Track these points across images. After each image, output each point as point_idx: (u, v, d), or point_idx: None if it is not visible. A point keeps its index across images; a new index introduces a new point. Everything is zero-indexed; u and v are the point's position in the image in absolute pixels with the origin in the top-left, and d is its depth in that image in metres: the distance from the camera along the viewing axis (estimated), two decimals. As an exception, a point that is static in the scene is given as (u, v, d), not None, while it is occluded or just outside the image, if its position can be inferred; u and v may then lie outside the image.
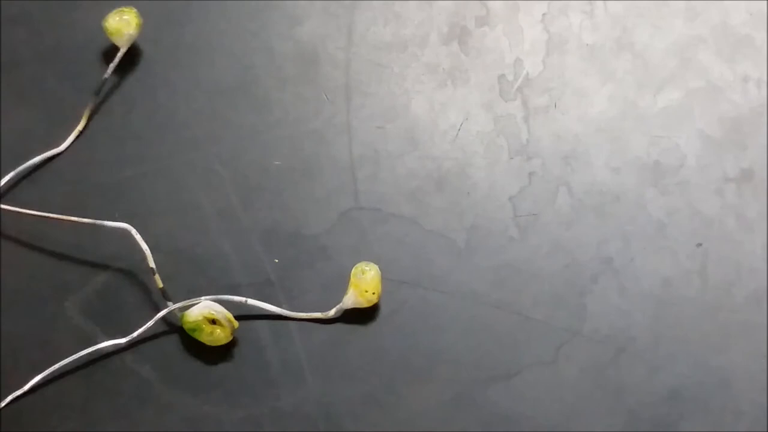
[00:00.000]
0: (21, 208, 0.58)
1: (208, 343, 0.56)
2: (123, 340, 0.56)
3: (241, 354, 0.56)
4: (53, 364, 0.55)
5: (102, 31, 0.61)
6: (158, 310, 0.56)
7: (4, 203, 0.58)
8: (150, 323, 0.56)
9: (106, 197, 0.59)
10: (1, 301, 0.57)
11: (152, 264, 0.56)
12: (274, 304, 0.57)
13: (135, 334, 0.56)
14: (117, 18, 0.61)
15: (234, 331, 0.56)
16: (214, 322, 0.55)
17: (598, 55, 0.63)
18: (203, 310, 0.55)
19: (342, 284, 0.57)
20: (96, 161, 0.60)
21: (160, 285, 0.56)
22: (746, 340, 0.56)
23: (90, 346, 0.55)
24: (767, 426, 0.55)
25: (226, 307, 0.56)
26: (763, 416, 0.55)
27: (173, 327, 0.57)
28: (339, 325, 0.57)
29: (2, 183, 0.59)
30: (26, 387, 0.55)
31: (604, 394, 0.56)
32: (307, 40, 0.63)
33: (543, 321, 0.57)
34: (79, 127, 0.61)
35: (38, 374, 0.55)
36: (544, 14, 0.64)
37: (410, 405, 0.55)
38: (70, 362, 0.55)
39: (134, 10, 0.61)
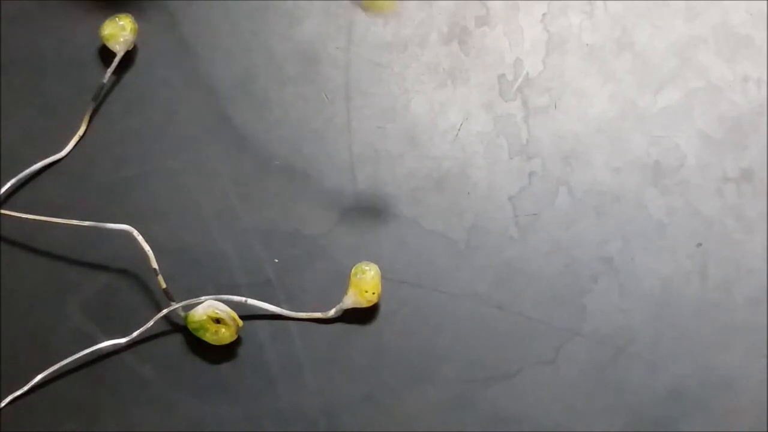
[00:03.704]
0: (22, 212, 0.58)
1: (213, 343, 0.56)
2: (123, 340, 0.56)
3: (241, 354, 0.56)
4: (53, 364, 0.55)
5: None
6: (159, 310, 0.56)
7: (5, 209, 0.58)
8: (150, 323, 0.56)
9: (107, 199, 0.59)
10: (1, 301, 0.57)
11: (155, 265, 0.56)
12: (274, 304, 0.57)
13: (135, 333, 0.56)
14: (112, 25, 0.61)
15: (239, 330, 0.56)
16: (218, 321, 0.55)
17: (598, 55, 0.63)
18: (207, 310, 0.55)
19: (342, 284, 0.57)
20: (96, 163, 0.60)
21: (164, 285, 0.56)
22: (746, 340, 0.56)
23: (90, 346, 0.56)
24: (767, 426, 0.55)
25: (225, 307, 0.56)
26: (763, 416, 0.55)
27: (174, 327, 0.57)
28: (339, 325, 0.57)
29: (3, 190, 0.59)
30: (26, 387, 0.55)
31: (604, 394, 0.56)
32: (307, 40, 0.63)
33: (543, 321, 0.57)
34: (80, 132, 0.61)
35: (38, 374, 0.55)
36: (544, 14, 0.64)
37: (410, 405, 0.55)
38: (70, 362, 0.55)
39: (129, 16, 0.62)
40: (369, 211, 0.59)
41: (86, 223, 0.57)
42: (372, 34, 0.64)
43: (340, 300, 0.57)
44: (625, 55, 0.63)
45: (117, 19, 0.62)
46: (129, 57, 0.62)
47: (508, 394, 0.55)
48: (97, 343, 0.56)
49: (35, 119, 0.61)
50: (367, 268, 0.56)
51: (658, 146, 0.61)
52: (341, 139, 0.61)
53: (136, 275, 0.58)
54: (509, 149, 0.61)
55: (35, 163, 0.60)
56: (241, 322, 0.56)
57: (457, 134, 0.61)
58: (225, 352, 0.56)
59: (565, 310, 0.57)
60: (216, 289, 0.57)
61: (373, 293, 0.56)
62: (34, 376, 0.55)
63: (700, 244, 0.58)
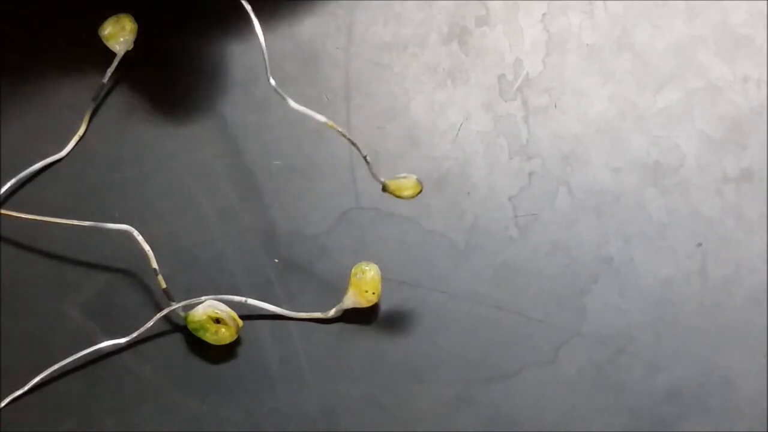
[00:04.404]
0: (22, 212, 0.58)
1: (213, 343, 0.56)
2: (123, 340, 0.56)
3: (241, 354, 0.56)
4: (53, 364, 0.55)
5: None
6: (159, 310, 0.56)
7: (5, 209, 0.58)
8: (150, 323, 0.56)
9: (107, 199, 0.59)
10: (1, 301, 0.57)
11: (155, 265, 0.56)
12: (274, 304, 0.57)
13: (135, 334, 0.56)
14: (112, 24, 0.61)
15: (239, 330, 0.56)
16: (218, 321, 0.55)
17: (598, 55, 0.63)
18: (207, 310, 0.55)
19: (342, 284, 0.57)
20: (96, 163, 0.60)
21: (164, 285, 0.56)
22: (746, 340, 0.56)
23: (90, 346, 0.56)
24: (767, 426, 0.55)
25: (225, 307, 0.56)
26: (763, 416, 0.55)
27: (174, 327, 0.57)
28: (339, 325, 0.57)
29: (3, 190, 0.59)
30: (26, 387, 0.55)
31: (604, 394, 0.56)
32: (307, 40, 0.63)
33: (543, 321, 0.57)
34: (80, 132, 0.61)
35: (38, 374, 0.55)
36: (544, 14, 0.64)
37: (410, 405, 0.55)
38: (70, 362, 0.55)
39: (129, 16, 0.62)
40: (369, 211, 0.59)
41: (86, 223, 0.57)
42: (372, 34, 0.64)
43: (340, 300, 0.57)
44: (625, 55, 0.63)
45: (117, 19, 0.62)
46: (129, 57, 0.62)
47: (508, 394, 0.55)
48: (97, 343, 0.56)
49: (35, 119, 0.61)
50: (367, 268, 0.56)
51: (658, 146, 0.61)
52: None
53: (136, 275, 0.58)
54: (509, 149, 0.61)
55: (35, 163, 0.60)
56: (241, 322, 0.56)
57: (457, 134, 0.61)
58: (225, 352, 0.56)
59: (565, 310, 0.57)
60: (216, 289, 0.57)
61: (373, 293, 0.56)
62: (34, 376, 0.55)
63: (700, 244, 0.58)
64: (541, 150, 0.61)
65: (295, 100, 0.62)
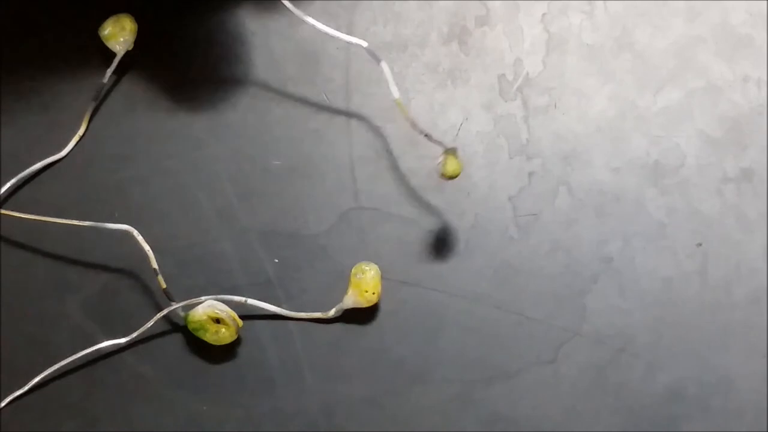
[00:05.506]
0: (22, 212, 0.58)
1: (213, 343, 0.56)
2: (123, 340, 0.56)
3: (241, 354, 0.56)
4: (53, 364, 0.55)
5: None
6: (159, 310, 0.56)
7: (5, 209, 0.58)
8: (150, 323, 0.56)
9: (107, 199, 0.59)
10: (1, 301, 0.57)
11: (155, 265, 0.56)
12: (274, 304, 0.57)
13: (135, 333, 0.56)
14: (112, 24, 0.61)
15: (239, 330, 0.56)
16: (218, 321, 0.55)
17: (598, 55, 0.63)
18: (207, 310, 0.55)
19: (342, 284, 0.57)
20: (96, 163, 0.60)
21: (164, 285, 0.56)
22: (746, 340, 0.56)
23: (90, 346, 0.56)
24: (767, 426, 0.55)
25: (225, 307, 0.56)
26: (763, 416, 0.55)
27: (174, 327, 0.57)
28: (339, 325, 0.57)
29: (3, 190, 0.59)
30: (26, 387, 0.55)
31: (604, 394, 0.56)
32: (307, 40, 0.63)
33: (543, 321, 0.57)
34: (80, 132, 0.61)
35: (38, 374, 0.55)
36: (544, 14, 0.64)
37: (410, 405, 0.55)
38: (70, 362, 0.55)
39: (129, 16, 0.62)
40: (369, 211, 0.59)
41: (86, 223, 0.57)
42: (372, 34, 0.64)
43: (340, 300, 0.57)
44: (625, 55, 0.63)
45: (117, 19, 0.62)
46: (129, 57, 0.62)
47: (508, 394, 0.56)
48: (97, 343, 0.56)
49: (35, 119, 0.61)
50: (367, 268, 0.57)
51: (658, 146, 0.61)
52: (341, 139, 0.61)
53: (136, 275, 0.58)
54: (509, 149, 0.61)
55: (35, 163, 0.60)
56: (241, 322, 0.56)
57: (457, 134, 0.61)
58: (225, 352, 0.56)
59: (565, 310, 0.57)
60: (215, 289, 0.57)
61: (373, 293, 0.56)
62: (34, 376, 0.55)
63: (700, 244, 0.58)
64: (541, 150, 0.61)
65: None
